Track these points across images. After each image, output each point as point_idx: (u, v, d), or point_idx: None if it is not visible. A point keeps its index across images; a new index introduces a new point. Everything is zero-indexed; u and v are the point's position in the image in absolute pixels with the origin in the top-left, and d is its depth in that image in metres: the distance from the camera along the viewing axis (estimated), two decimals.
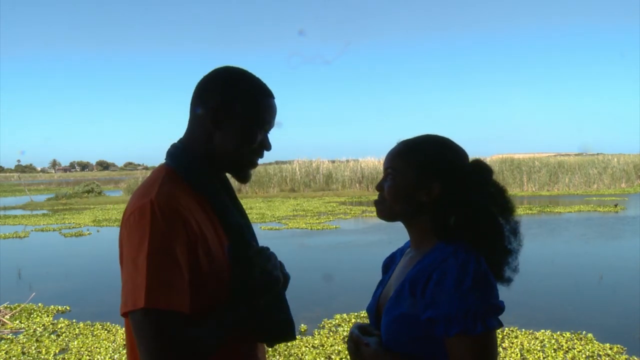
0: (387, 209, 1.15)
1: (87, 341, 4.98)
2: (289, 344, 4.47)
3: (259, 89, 1.16)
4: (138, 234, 0.96)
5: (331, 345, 4.61)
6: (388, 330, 1.08)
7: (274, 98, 1.19)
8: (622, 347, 4.45)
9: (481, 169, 1.14)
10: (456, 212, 1.09)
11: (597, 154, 32.02)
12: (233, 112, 1.12)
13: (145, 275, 0.93)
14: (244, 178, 1.18)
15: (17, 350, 4.82)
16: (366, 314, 1.28)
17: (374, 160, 27.66)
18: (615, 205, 16.30)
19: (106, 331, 5.26)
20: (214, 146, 1.13)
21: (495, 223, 1.11)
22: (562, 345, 4.52)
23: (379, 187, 1.17)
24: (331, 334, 4.96)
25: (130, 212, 1.01)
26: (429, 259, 1.08)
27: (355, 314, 5.50)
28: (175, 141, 1.18)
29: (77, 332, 5.28)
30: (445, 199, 1.10)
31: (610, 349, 4.42)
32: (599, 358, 4.26)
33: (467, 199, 1.09)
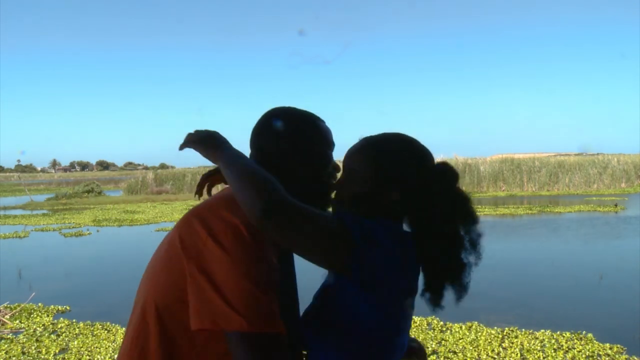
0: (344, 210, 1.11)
1: (87, 341, 4.98)
2: None
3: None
4: (238, 254, 0.95)
5: None
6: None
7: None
8: (622, 347, 4.46)
9: (446, 175, 1.08)
10: (412, 219, 1.07)
11: (597, 154, 32.01)
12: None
13: (255, 297, 0.93)
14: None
15: (17, 350, 4.82)
16: None
17: None
18: (615, 205, 16.30)
19: (106, 331, 5.26)
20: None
21: (454, 233, 1.05)
22: (562, 345, 4.52)
23: (337, 187, 1.13)
24: None
25: (222, 229, 0.97)
26: None
27: None
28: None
29: (77, 332, 5.28)
30: (403, 206, 1.06)
31: (610, 349, 4.42)
32: (599, 358, 4.26)
33: (426, 207, 1.04)
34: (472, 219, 1.07)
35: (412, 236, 1.06)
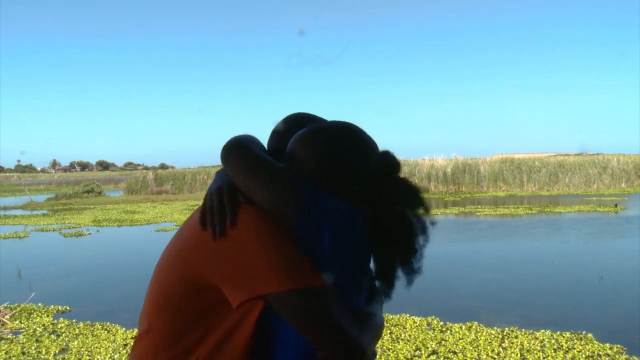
0: None
1: (87, 341, 4.98)
2: None
3: None
4: (261, 229, 1.00)
5: None
6: None
7: None
8: (622, 347, 4.45)
9: (386, 164, 1.12)
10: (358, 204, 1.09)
11: (597, 154, 32.01)
12: None
13: (290, 257, 0.98)
14: None
15: (17, 350, 4.82)
16: None
17: None
18: (615, 205, 16.30)
19: (106, 331, 5.26)
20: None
21: (403, 217, 1.10)
22: (562, 345, 4.52)
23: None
24: None
25: (241, 214, 1.02)
26: None
27: None
28: None
29: (77, 332, 5.28)
30: (347, 193, 1.07)
31: (610, 349, 4.42)
32: (599, 358, 4.26)
33: (370, 195, 1.08)
34: (417, 204, 1.11)
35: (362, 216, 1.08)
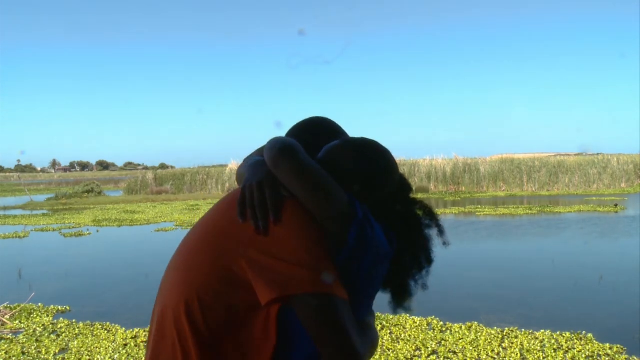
0: None
1: (87, 341, 4.98)
2: None
3: None
4: (292, 224, 1.03)
5: None
6: None
7: None
8: (622, 347, 4.45)
9: (404, 186, 1.22)
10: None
11: (597, 154, 32.01)
12: None
13: (320, 261, 1.00)
14: None
15: (17, 350, 4.82)
16: None
17: None
18: (615, 205, 16.31)
19: (106, 331, 5.26)
20: None
21: (418, 234, 1.20)
22: (562, 345, 4.52)
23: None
24: None
25: None
26: None
27: None
28: None
29: (77, 332, 5.28)
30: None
31: (610, 349, 4.42)
32: (599, 358, 4.26)
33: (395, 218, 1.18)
34: (433, 225, 1.22)
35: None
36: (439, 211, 16.29)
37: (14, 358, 4.63)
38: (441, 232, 1.22)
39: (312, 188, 1.02)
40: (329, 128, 1.26)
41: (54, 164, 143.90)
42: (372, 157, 1.15)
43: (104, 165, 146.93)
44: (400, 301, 1.21)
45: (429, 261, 1.20)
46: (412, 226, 1.18)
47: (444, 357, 4.33)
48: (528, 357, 4.28)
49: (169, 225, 14.32)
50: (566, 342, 4.58)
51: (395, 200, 1.18)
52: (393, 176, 1.16)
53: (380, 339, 4.70)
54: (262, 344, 1.00)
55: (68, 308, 6.22)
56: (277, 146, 1.08)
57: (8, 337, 5.24)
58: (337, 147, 1.15)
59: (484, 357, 4.30)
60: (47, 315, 5.91)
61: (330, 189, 1.03)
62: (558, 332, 4.81)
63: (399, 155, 28.37)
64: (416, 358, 4.33)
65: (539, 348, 4.45)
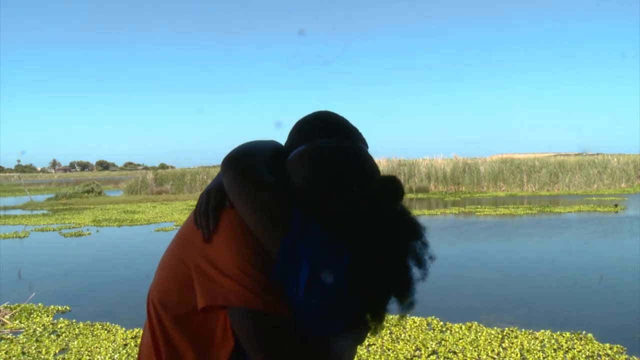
0: None
1: (87, 341, 4.98)
2: None
3: None
4: (234, 238, 1.05)
5: None
6: None
7: None
8: (622, 347, 4.46)
9: (386, 195, 1.09)
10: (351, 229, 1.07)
11: (597, 154, 32.03)
12: None
13: (259, 277, 1.01)
14: None
15: (17, 350, 4.82)
16: None
17: (383, 160, 27.58)
18: (615, 205, 16.31)
19: (106, 331, 5.26)
20: None
21: (398, 245, 1.06)
22: (562, 345, 4.52)
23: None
24: None
25: (222, 218, 1.07)
26: None
27: None
28: None
29: (77, 332, 5.28)
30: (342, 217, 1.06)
31: (610, 349, 4.42)
32: (599, 358, 4.26)
33: (368, 221, 1.05)
34: (414, 237, 1.09)
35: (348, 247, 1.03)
36: (439, 211, 16.24)
37: (14, 358, 4.64)
38: (424, 244, 1.10)
39: (244, 200, 1.00)
40: (334, 122, 1.20)
41: (54, 164, 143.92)
42: (335, 164, 1.04)
43: (104, 165, 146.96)
44: (376, 322, 1.12)
45: (407, 286, 1.09)
46: (383, 242, 1.05)
47: (444, 357, 4.33)
48: (528, 357, 4.28)
49: (169, 225, 14.32)
50: (566, 342, 4.58)
51: (367, 214, 1.06)
52: (362, 185, 1.05)
53: (380, 340, 4.70)
54: (221, 344, 1.03)
55: (68, 308, 6.22)
56: (227, 155, 1.09)
57: (8, 337, 5.24)
58: (299, 153, 1.07)
59: (484, 357, 4.30)
60: (47, 315, 5.91)
61: (263, 202, 0.99)
62: (558, 332, 4.81)
63: (399, 156, 28.40)
64: (416, 358, 4.33)
65: (539, 348, 4.45)
